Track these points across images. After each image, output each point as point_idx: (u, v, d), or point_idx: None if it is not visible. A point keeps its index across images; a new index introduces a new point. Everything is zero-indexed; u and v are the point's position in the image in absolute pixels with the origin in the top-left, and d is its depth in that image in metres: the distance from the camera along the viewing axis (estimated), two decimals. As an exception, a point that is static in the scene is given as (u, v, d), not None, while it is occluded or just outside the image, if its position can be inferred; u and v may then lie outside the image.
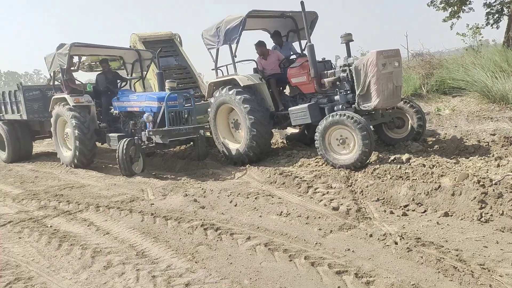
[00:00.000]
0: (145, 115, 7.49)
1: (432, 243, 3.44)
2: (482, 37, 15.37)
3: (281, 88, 7.90)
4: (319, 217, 4.32)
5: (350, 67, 6.50)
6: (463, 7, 20.29)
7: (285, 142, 8.98)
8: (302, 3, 6.55)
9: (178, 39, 11.56)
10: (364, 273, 3.01)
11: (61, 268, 3.66)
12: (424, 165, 5.54)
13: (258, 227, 4.21)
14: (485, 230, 3.68)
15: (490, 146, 6.45)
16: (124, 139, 7.32)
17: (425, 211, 4.34)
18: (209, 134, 8.24)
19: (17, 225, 4.93)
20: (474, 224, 3.84)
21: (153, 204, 5.43)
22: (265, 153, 7.42)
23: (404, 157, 5.95)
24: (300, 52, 8.12)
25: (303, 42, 8.03)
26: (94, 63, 11.41)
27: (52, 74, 8.96)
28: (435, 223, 3.97)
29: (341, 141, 6.12)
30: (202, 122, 8.40)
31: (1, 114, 10.54)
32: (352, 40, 6.77)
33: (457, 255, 3.15)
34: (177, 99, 7.52)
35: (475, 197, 4.11)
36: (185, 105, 7.72)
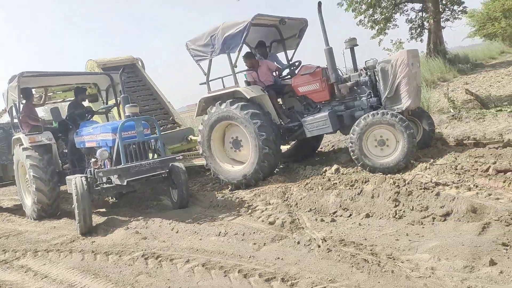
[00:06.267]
0: (98, 151, 6.04)
1: (353, 242, 3.80)
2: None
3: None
4: (254, 233, 4.56)
5: (373, 70, 6.33)
6: (388, 24, 22.22)
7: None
8: (319, 4, 6.28)
9: (140, 63, 10.80)
10: (290, 276, 3.28)
11: (-4, 317, 3.60)
12: (350, 174, 6.01)
13: (197, 250, 4.37)
14: (398, 225, 4.11)
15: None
16: (75, 178, 5.84)
17: (350, 215, 4.73)
18: (188, 164, 7.28)
19: None
20: (390, 221, 4.27)
21: (94, 241, 5.41)
22: (272, 173, 6.81)
23: (333, 168, 6.41)
24: (287, 63, 7.74)
25: (289, 53, 7.89)
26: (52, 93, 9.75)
27: (9, 112, 7.75)
28: (357, 224, 4.36)
29: (380, 142, 5.90)
30: (178, 151, 7.54)
31: None
32: (357, 45, 6.61)
33: (370, 250, 3.53)
34: (135, 127, 5.98)
35: (390, 197, 4.57)
36: (147, 134, 6.17)
